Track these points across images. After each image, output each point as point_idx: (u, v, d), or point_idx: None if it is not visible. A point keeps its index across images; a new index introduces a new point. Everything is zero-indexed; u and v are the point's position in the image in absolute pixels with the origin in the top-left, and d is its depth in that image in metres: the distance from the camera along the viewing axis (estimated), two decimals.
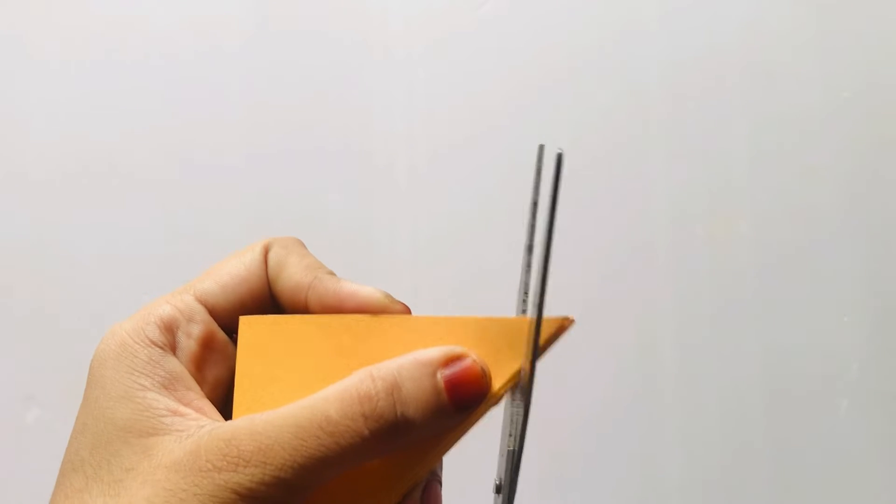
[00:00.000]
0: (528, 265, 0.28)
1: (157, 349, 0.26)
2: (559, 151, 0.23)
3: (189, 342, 0.27)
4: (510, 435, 0.26)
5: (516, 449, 0.26)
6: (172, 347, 0.27)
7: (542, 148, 0.28)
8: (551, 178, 0.23)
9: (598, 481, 0.66)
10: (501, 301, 0.66)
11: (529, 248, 0.28)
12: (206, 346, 0.28)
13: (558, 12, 0.70)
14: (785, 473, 0.66)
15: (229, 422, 0.25)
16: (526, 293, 0.28)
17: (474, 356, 0.26)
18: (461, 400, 0.25)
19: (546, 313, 0.25)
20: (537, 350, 0.25)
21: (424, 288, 0.66)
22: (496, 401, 0.26)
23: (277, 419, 0.24)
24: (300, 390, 0.26)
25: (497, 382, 0.26)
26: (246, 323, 0.28)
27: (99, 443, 0.25)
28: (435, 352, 0.26)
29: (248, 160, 0.67)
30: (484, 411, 0.26)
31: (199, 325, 0.28)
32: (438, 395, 0.25)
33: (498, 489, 0.27)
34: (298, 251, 0.29)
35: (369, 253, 0.66)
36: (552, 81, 0.69)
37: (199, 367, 0.27)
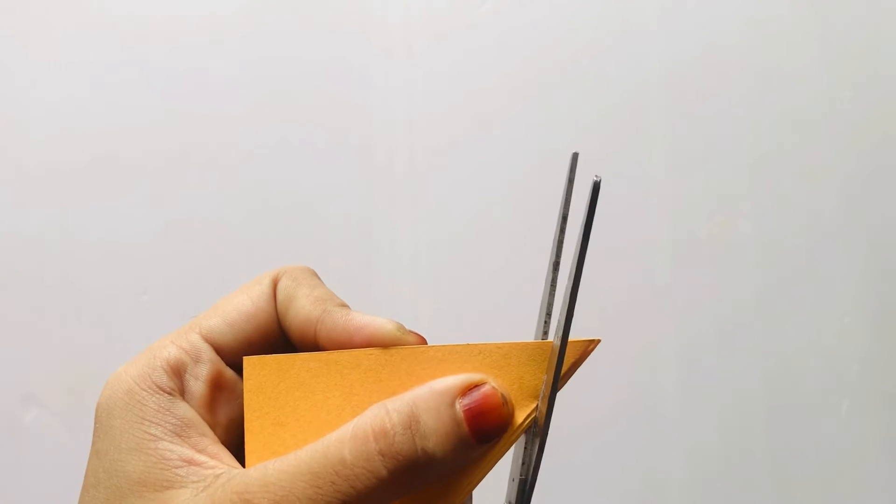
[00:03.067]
0: (553, 284, 0.27)
1: (166, 395, 0.25)
2: (596, 180, 0.21)
3: (198, 384, 0.26)
4: (523, 463, 0.25)
5: (529, 478, 0.24)
6: (181, 392, 0.26)
7: (575, 156, 0.26)
8: (586, 207, 0.22)
9: (599, 476, 0.66)
10: (502, 298, 0.66)
11: (555, 266, 0.27)
12: (216, 387, 0.26)
13: (558, 11, 0.70)
14: (786, 473, 0.66)
15: (242, 471, 0.24)
16: (549, 314, 0.27)
17: (494, 383, 0.24)
18: (483, 430, 0.24)
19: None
20: (557, 381, 0.24)
21: (425, 286, 0.66)
22: (521, 431, 0.25)
23: (291, 467, 0.23)
24: (312, 431, 0.25)
25: (520, 412, 0.25)
26: (251, 364, 0.27)
27: (113, 497, 0.24)
28: (452, 380, 0.24)
29: (247, 156, 0.67)
30: (509, 442, 0.25)
31: (206, 366, 0.26)
32: (459, 426, 0.23)
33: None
34: (308, 282, 0.28)
35: (369, 251, 0.66)
36: (552, 80, 0.69)
37: (210, 409, 0.26)
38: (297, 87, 0.68)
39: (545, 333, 0.27)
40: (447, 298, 0.66)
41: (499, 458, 0.25)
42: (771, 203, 0.69)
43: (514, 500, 0.25)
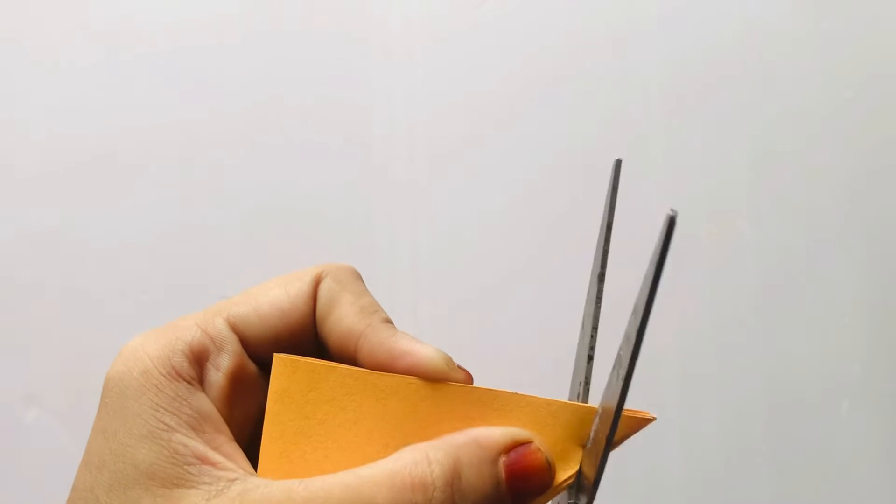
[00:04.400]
0: (599, 296, 0.24)
1: (185, 384, 0.23)
2: (672, 214, 0.19)
3: (218, 376, 0.24)
4: None
5: None
6: (200, 381, 0.24)
7: (618, 163, 0.23)
8: (659, 245, 0.20)
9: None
10: (503, 301, 0.66)
11: (600, 277, 0.24)
12: (236, 381, 0.25)
13: (558, 11, 0.70)
14: (785, 473, 0.66)
15: (263, 485, 0.22)
16: (594, 327, 0.24)
17: (540, 443, 0.23)
18: (521, 492, 0.22)
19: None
20: (608, 452, 0.22)
21: (425, 289, 0.66)
22: (555, 494, 0.24)
23: (317, 497, 0.21)
24: (337, 451, 0.24)
25: (560, 475, 0.23)
26: (281, 363, 0.25)
27: (117, 484, 0.22)
28: (498, 434, 0.23)
29: (247, 158, 0.67)
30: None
31: (229, 357, 0.25)
32: (498, 486, 0.22)
33: None
34: (353, 288, 0.26)
35: (369, 253, 0.66)
36: (552, 80, 0.69)
37: (227, 404, 0.25)
38: (297, 88, 0.68)
39: (591, 348, 0.25)
40: (447, 302, 0.66)
41: None
42: (771, 203, 0.69)
43: None
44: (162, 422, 0.23)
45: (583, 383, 0.25)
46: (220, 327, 0.25)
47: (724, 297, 0.68)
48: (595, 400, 0.24)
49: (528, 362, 0.65)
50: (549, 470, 0.23)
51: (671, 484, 0.66)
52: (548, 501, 0.23)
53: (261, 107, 0.67)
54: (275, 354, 0.25)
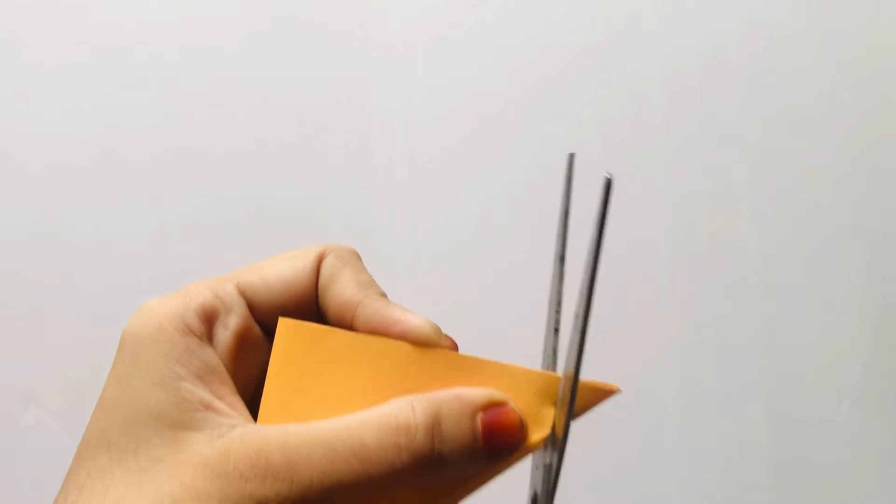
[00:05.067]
0: (561, 276, 0.28)
1: (195, 338, 0.26)
2: (608, 177, 0.22)
3: (226, 334, 0.27)
4: (542, 482, 0.26)
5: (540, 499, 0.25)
6: (209, 338, 0.26)
7: (572, 157, 0.27)
8: (598, 207, 0.22)
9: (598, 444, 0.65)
10: (503, 301, 0.66)
11: (561, 258, 0.28)
12: (242, 340, 0.27)
13: (558, 11, 0.70)
14: (785, 473, 0.66)
15: (262, 429, 0.24)
16: (559, 303, 0.28)
17: (514, 405, 0.25)
18: (495, 447, 0.25)
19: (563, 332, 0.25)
20: (572, 411, 0.25)
21: (425, 289, 0.66)
22: (527, 453, 0.26)
23: (311, 436, 0.24)
24: (331, 406, 0.25)
25: (533, 436, 0.25)
26: (285, 326, 0.27)
27: (128, 425, 0.25)
28: (478, 393, 0.25)
29: (247, 158, 0.67)
30: (514, 461, 0.25)
31: (237, 318, 0.27)
32: (475, 438, 0.24)
33: (534, 502, 0.26)
34: (354, 265, 0.28)
35: (369, 252, 0.66)
36: (553, 80, 0.69)
37: (233, 361, 0.27)
38: (297, 89, 0.68)
39: (557, 322, 0.28)
40: (447, 302, 0.66)
41: (498, 474, 0.26)
42: (771, 203, 0.69)
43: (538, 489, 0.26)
44: (173, 371, 0.25)
45: (552, 354, 0.28)
46: (230, 291, 0.27)
47: (724, 298, 0.68)
48: (563, 368, 0.26)
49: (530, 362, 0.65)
50: (521, 428, 0.25)
51: (671, 484, 0.66)
52: (522, 458, 0.25)
53: (260, 107, 0.67)
54: (280, 318, 0.27)
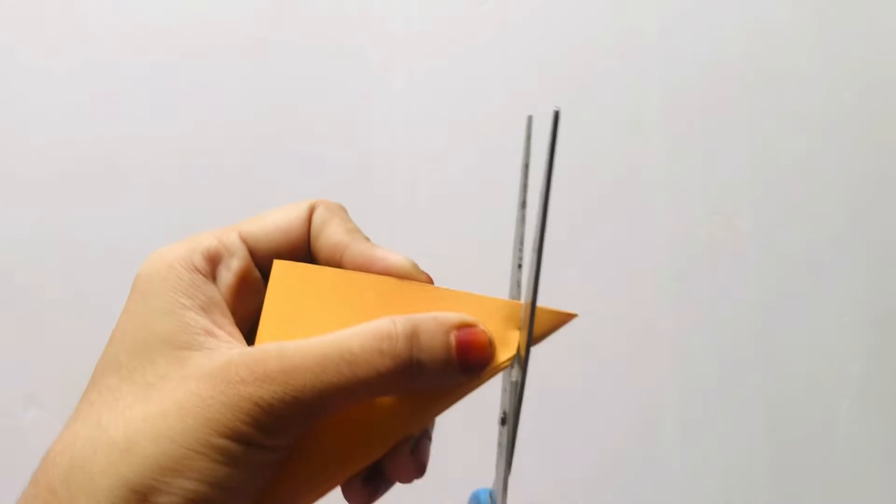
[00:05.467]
0: (523, 219, 0.31)
1: (200, 276, 0.29)
2: (557, 109, 0.25)
3: (228, 275, 0.29)
4: (507, 388, 0.29)
5: (510, 419, 0.28)
6: (213, 277, 0.29)
7: (530, 119, 0.30)
8: (550, 136, 0.25)
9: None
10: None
11: (523, 204, 0.31)
12: (243, 281, 0.30)
13: (559, 11, 0.70)
14: (785, 472, 0.66)
15: (260, 346, 0.27)
16: (522, 244, 0.30)
17: (484, 328, 0.28)
18: (468, 361, 0.27)
19: (544, 302, 0.28)
20: (531, 332, 0.28)
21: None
22: (495, 373, 0.29)
23: (304, 347, 0.26)
24: (321, 331, 0.28)
25: (501, 356, 0.29)
26: (280, 266, 0.30)
27: (137, 349, 0.27)
28: (452, 315, 0.28)
29: (247, 165, 0.67)
30: (484, 379, 0.28)
31: (239, 261, 0.30)
32: (449, 351, 0.27)
33: (503, 421, 0.29)
34: (341, 215, 0.31)
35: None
36: (552, 80, 0.69)
37: (234, 298, 0.29)
38: (296, 98, 0.68)
39: (519, 267, 0.31)
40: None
41: (469, 391, 0.28)
42: (771, 203, 0.69)
43: (508, 407, 0.29)
44: (179, 301, 0.28)
45: (516, 286, 0.31)
46: (233, 238, 0.30)
47: (724, 297, 0.68)
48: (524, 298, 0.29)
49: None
50: (490, 346, 0.28)
51: (670, 482, 0.66)
52: (491, 376, 0.29)
53: (260, 113, 0.67)
54: (275, 260, 0.30)
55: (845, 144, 0.70)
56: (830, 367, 0.67)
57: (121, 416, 0.26)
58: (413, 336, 0.27)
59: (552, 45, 0.70)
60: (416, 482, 0.29)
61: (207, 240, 0.30)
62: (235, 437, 0.25)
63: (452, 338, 0.27)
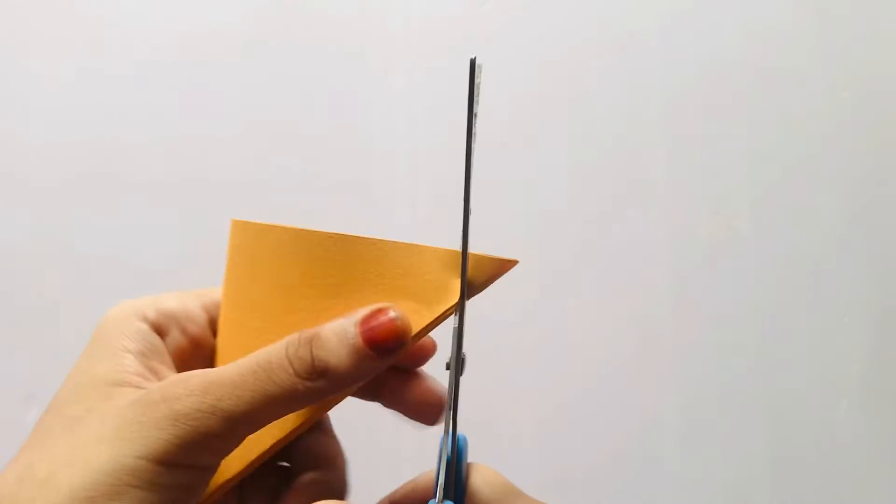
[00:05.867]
0: (468, 172, 0.31)
1: (148, 326, 0.30)
2: (473, 58, 0.28)
3: (179, 337, 0.30)
4: (454, 326, 0.30)
5: (453, 363, 0.29)
6: (163, 333, 0.30)
7: (473, 61, 0.30)
8: (467, 86, 0.27)
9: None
10: (506, 334, 0.66)
11: (469, 154, 0.31)
12: (195, 347, 0.31)
13: (559, 12, 0.70)
14: (785, 472, 0.66)
15: (182, 377, 0.27)
16: (468, 195, 0.31)
17: (390, 308, 0.29)
18: (378, 342, 0.28)
19: (505, 255, 0.30)
20: (465, 276, 0.29)
21: None
22: (439, 322, 0.30)
23: (228, 365, 0.27)
24: (278, 293, 0.30)
25: (443, 304, 0.30)
26: (237, 226, 0.32)
27: (75, 389, 0.28)
28: (355, 313, 0.29)
29: (247, 165, 0.67)
30: (428, 330, 0.30)
31: (194, 327, 0.31)
32: (355, 338, 0.28)
33: (447, 366, 0.30)
34: None
35: None
36: (552, 80, 0.69)
37: (180, 361, 0.30)
38: (297, 101, 0.68)
39: (466, 211, 0.31)
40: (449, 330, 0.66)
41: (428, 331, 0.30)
42: (771, 203, 0.69)
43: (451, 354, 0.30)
44: (121, 344, 0.29)
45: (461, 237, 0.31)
46: (195, 304, 0.31)
47: (724, 297, 0.68)
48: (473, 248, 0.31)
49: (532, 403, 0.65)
50: (399, 328, 0.28)
51: (670, 481, 0.66)
52: (438, 325, 0.30)
53: (257, 118, 0.67)
54: (231, 220, 0.32)
55: (845, 145, 0.70)
56: (830, 367, 0.67)
57: (47, 452, 0.26)
58: (314, 337, 0.27)
59: (552, 45, 0.70)
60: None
61: (168, 300, 0.31)
62: (154, 457, 0.25)
63: (356, 328, 0.28)
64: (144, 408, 0.26)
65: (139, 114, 0.67)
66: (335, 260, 0.30)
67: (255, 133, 0.67)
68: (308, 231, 0.30)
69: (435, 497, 0.28)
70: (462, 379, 0.29)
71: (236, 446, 0.27)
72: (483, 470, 0.30)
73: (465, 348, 0.30)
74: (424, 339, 0.31)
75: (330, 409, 0.31)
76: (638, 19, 0.70)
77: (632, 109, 0.69)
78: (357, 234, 0.30)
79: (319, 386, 0.27)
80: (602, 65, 0.70)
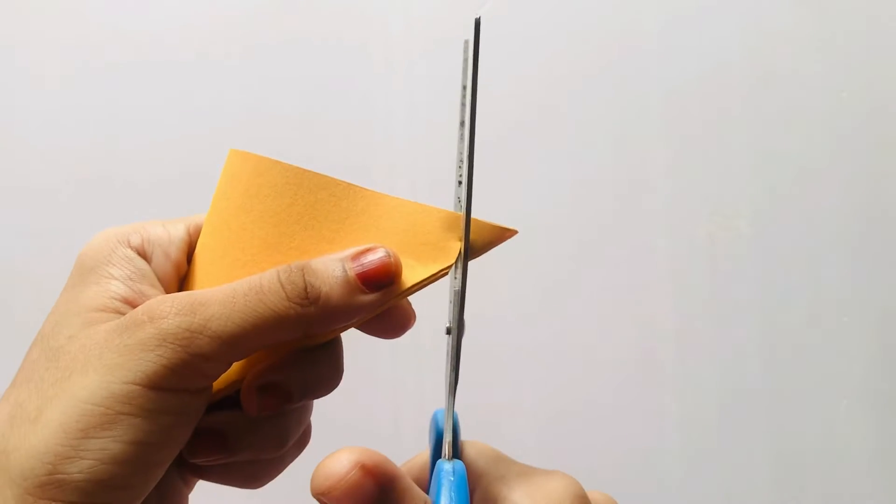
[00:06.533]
0: (462, 137, 0.31)
1: (133, 251, 0.29)
2: (477, 17, 0.27)
3: (165, 263, 0.29)
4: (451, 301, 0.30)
5: (454, 328, 0.29)
6: (148, 259, 0.29)
7: (467, 42, 0.30)
8: (471, 48, 0.27)
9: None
10: (505, 326, 0.66)
11: (462, 124, 0.30)
12: (178, 270, 0.30)
13: (559, 12, 0.70)
14: (785, 472, 0.66)
15: (170, 296, 0.26)
16: (461, 161, 0.30)
17: (382, 247, 0.28)
18: (369, 277, 0.27)
19: (502, 223, 0.29)
20: (468, 238, 0.29)
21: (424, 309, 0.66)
22: (432, 280, 0.29)
23: (216, 288, 0.26)
24: (270, 227, 0.29)
25: (439, 264, 0.29)
26: (235, 154, 0.30)
27: (59, 320, 0.27)
28: (347, 250, 0.28)
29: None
30: (414, 290, 0.29)
31: (178, 251, 0.30)
32: (344, 271, 0.27)
33: (448, 331, 0.29)
34: None
35: None
36: (552, 80, 0.69)
37: (168, 287, 0.29)
38: (296, 101, 0.68)
39: (460, 175, 0.31)
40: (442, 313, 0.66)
41: (407, 294, 0.29)
42: (771, 203, 0.69)
43: (451, 319, 0.29)
44: (106, 271, 0.28)
45: (456, 201, 0.31)
46: (179, 228, 0.30)
47: (724, 297, 0.68)
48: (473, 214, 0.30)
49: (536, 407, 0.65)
50: (389, 259, 0.28)
51: (669, 480, 0.66)
52: (430, 283, 0.29)
53: (258, 116, 0.67)
54: (230, 149, 0.30)
55: (845, 144, 0.70)
56: (830, 367, 0.67)
57: (35, 387, 0.25)
58: (305, 266, 0.27)
59: (552, 45, 0.70)
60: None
61: (153, 226, 0.30)
62: (143, 381, 0.24)
63: (346, 260, 0.28)
64: (129, 330, 0.24)
65: (139, 113, 0.67)
66: (338, 206, 0.29)
67: (256, 131, 0.67)
68: (314, 173, 0.29)
69: (445, 456, 0.28)
70: (461, 382, 0.29)
71: (226, 370, 0.26)
72: (476, 443, 0.30)
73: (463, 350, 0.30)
74: (407, 308, 0.31)
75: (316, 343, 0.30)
76: (638, 19, 0.70)
77: (632, 109, 0.69)
78: (366, 188, 0.30)
79: (310, 312, 0.26)
80: (602, 65, 0.70)
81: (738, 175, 0.69)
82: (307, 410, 0.32)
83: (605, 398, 0.66)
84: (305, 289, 0.26)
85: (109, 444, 0.23)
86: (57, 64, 0.66)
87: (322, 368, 0.29)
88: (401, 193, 0.70)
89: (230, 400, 0.29)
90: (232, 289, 0.26)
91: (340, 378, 0.30)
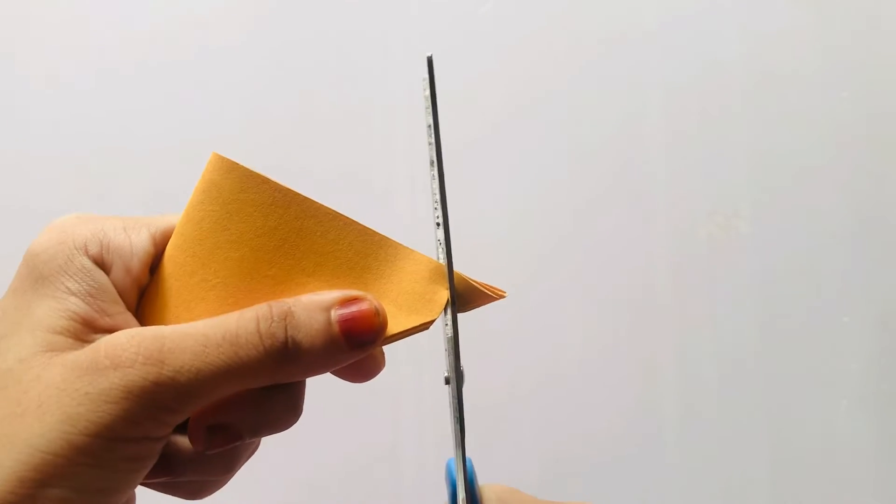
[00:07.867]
0: (434, 177, 0.30)
1: (91, 262, 0.26)
2: (429, 55, 0.26)
3: (124, 276, 0.27)
4: (445, 348, 0.28)
5: (453, 378, 0.28)
6: (107, 270, 0.27)
7: (430, 59, 0.29)
8: (427, 83, 0.26)
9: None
10: (505, 324, 0.66)
11: (432, 163, 0.30)
12: (139, 283, 0.27)
13: (559, 11, 0.70)
14: (785, 472, 0.66)
15: (134, 329, 0.25)
16: (436, 202, 0.29)
17: (371, 300, 0.27)
18: (353, 334, 0.26)
19: (500, 288, 0.28)
20: (453, 286, 0.27)
21: None
22: (414, 332, 0.27)
23: (184, 329, 0.24)
24: (248, 247, 0.27)
25: (426, 315, 0.27)
26: (219, 160, 0.28)
27: (10, 332, 0.25)
28: (333, 293, 0.26)
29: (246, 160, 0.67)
30: (404, 335, 0.27)
31: (140, 264, 0.27)
32: (329, 325, 0.26)
33: (447, 381, 0.28)
34: None
35: None
36: (552, 80, 0.69)
37: (127, 300, 0.27)
38: (296, 101, 0.68)
39: (437, 217, 0.29)
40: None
41: (398, 338, 0.27)
42: (771, 203, 0.69)
43: (449, 369, 0.28)
44: (65, 284, 0.25)
45: (436, 245, 0.29)
46: (142, 237, 0.28)
47: (724, 297, 0.68)
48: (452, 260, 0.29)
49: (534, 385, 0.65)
50: (377, 316, 0.26)
51: (669, 479, 0.66)
52: (413, 334, 0.27)
53: (258, 113, 0.67)
54: (213, 152, 0.28)
55: (845, 144, 0.70)
56: (830, 367, 0.67)
57: None
58: (287, 315, 0.25)
59: (552, 44, 0.70)
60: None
61: (113, 231, 0.27)
62: (106, 434, 0.23)
63: (334, 314, 0.26)
64: (91, 375, 0.23)
65: (139, 113, 0.67)
66: (324, 237, 0.27)
67: (255, 130, 0.67)
68: (304, 198, 0.27)
69: None
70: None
71: (189, 416, 0.25)
72: (494, 486, 0.29)
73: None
74: (377, 356, 0.29)
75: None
76: (638, 19, 0.70)
77: (632, 109, 0.69)
78: (356, 220, 0.28)
79: (287, 369, 0.25)
80: (602, 65, 0.70)
81: (738, 175, 0.69)
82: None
83: (603, 398, 0.66)
84: (286, 343, 0.25)
85: (67, 493, 0.22)
86: (57, 64, 0.66)
87: (278, 409, 0.27)
88: (401, 193, 0.70)
89: (179, 426, 0.27)
90: (204, 336, 0.24)
91: (298, 417, 0.28)
